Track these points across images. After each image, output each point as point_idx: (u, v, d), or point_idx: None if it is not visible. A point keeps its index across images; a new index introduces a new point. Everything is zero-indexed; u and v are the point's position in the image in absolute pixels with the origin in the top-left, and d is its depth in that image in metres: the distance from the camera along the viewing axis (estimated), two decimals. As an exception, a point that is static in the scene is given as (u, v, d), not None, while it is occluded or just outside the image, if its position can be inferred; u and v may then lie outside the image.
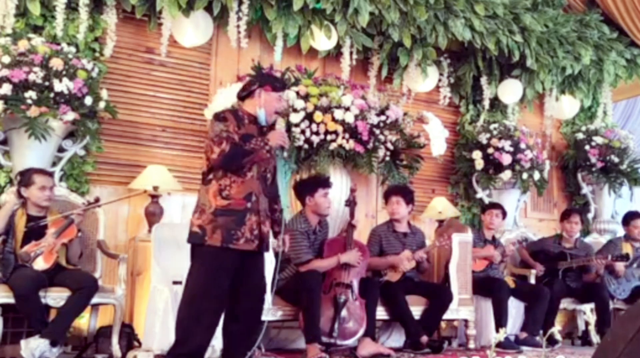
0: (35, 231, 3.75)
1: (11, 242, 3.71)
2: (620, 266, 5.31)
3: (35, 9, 4.20)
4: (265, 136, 3.06)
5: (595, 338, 5.15)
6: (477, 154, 5.72)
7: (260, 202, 3.07)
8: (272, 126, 3.26)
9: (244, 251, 3.01)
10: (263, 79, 3.26)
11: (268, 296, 3.95)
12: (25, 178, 3.76)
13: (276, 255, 3.47)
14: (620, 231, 6.09)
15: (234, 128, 3.02)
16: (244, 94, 3.20)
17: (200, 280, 2.99)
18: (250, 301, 3.14)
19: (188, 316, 2.97)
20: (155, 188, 4.37)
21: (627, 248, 5.53)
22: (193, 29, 4.65)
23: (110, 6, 4.48)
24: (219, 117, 3.05)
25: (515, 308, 5.00)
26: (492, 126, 5.81)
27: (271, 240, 3.30)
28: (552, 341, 4.73)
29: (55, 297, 3.58)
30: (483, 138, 5.74)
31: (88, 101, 4.10)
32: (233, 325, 3.12)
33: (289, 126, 4.60)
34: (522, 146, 5.69)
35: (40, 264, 3.63)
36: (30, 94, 3.87)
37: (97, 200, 3.98)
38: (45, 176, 3.82)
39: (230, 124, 3.01)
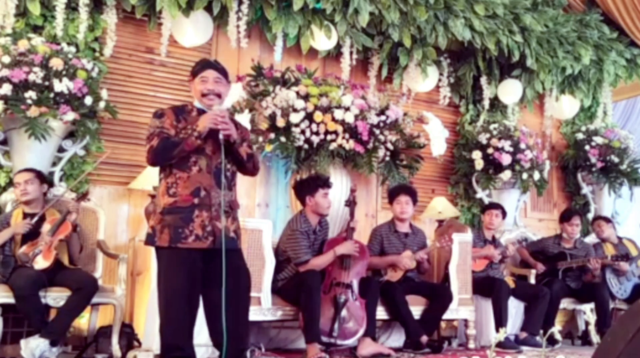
0: (33, 231, 3.75)
1: (10, 243, 3.72)
2: (624, 265, 5.32)
3: (35, 9, 4.20)
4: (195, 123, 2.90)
5: (595, 338, 5.15)
6: (477, 154, 5.72)
7: (213, 197, 2.88)
8: None
9: (205, 250, 2.88)
10: (190, 73, 3.08)
11: (268, 296, 3.97)
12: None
13: None
14: (620, 231, 6.12)
15: (171, 123, 2.88)
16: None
17: (161, 283, 2.89)
18: (227, 303, 2.87)
19: (163, 322, 2.87)
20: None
21: (608, 249, 5.56)
22: (193, 29, 4.65)
23: (110, 6, 4.48)
24: (155, 114, 2.93)
25: (515, 308, 5.00)
26: (492, 126, 5.81)
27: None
28: (552, 341, 4.75)
29: (55, 297, 3.59)
30: (483, 138, 5.74)
31: (88, 101, 4.10)
32: (213, 330, 2.97)
33: (288, 126, 4.60)
34: (522, 146, 5.69)
35: (40, 263, 3.63)
36: (30, 94, 3.87)
37: (86, 194, 3.95)
38: (19, 173, 3.84)
39: (166, 120, 2.88)
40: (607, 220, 5.83)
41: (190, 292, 2.89)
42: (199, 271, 2.90)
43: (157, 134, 2.86)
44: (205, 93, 2.95)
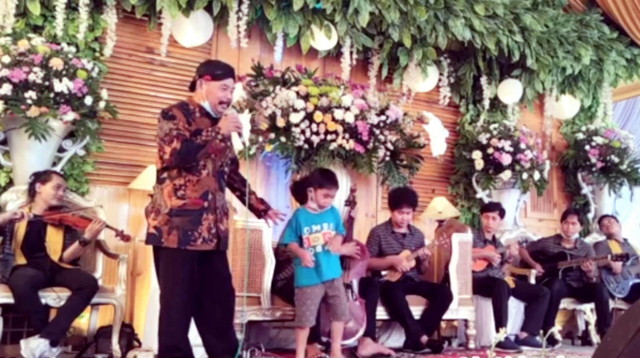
0: (36, 232, 3.75)
1: (10, 242, 3.71)
2: (617, 264, 5.33)
3: (35, 9, 4.20)
4: (216, 125, 2.93)
5: (595, 338, 5.15)
6: (477, 154, 5.72)
7: (217, 200, 2.97)
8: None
9: (203, 252, 2.92)
10: (203, 69, 3.05)
11: (268, 296, 3.97)
12: (44, 175, 3.86)
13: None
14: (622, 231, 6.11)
15: (184, 125, 2.88)
16: (193, 86, 3.07)
17: (165, 284, 2.92)
18: (218, 304, 3.00)
19: (164, 322, 2.90)
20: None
21: (614, 246, 5.57)
22: (193, 29, 4.65)
23: (110, 6, 4.48)
24: (166, 115, 2.90)
25: (515, 308, 5.00)
26: (492, 126, 5.81)
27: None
28: (552, 341, 4.75)
29: (55, 297, 3.58)
30: (483, 138, 5.74)
31: (88, 101, 4.10)
32: (205, 330, 3.03)
33: (288, 126, 4.59)
34: (522, 146, 5.69)
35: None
36: (30, 94, 3.87)
37: (124, 236, 3.92)
38: (62, 178, 3.95)
39: (179, 122, 2.87)
40: (616, 219, 5.95)
41: (191, 293, 2.93)
42: (198, 273, 2.95)
43: (176, 136, 2.84)
44: (225, 101, 3.01)
